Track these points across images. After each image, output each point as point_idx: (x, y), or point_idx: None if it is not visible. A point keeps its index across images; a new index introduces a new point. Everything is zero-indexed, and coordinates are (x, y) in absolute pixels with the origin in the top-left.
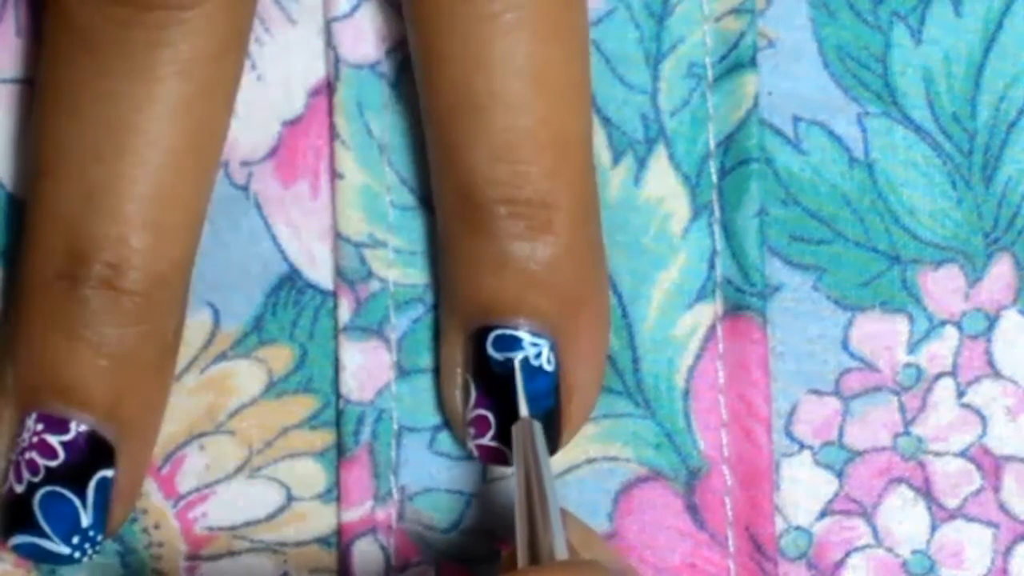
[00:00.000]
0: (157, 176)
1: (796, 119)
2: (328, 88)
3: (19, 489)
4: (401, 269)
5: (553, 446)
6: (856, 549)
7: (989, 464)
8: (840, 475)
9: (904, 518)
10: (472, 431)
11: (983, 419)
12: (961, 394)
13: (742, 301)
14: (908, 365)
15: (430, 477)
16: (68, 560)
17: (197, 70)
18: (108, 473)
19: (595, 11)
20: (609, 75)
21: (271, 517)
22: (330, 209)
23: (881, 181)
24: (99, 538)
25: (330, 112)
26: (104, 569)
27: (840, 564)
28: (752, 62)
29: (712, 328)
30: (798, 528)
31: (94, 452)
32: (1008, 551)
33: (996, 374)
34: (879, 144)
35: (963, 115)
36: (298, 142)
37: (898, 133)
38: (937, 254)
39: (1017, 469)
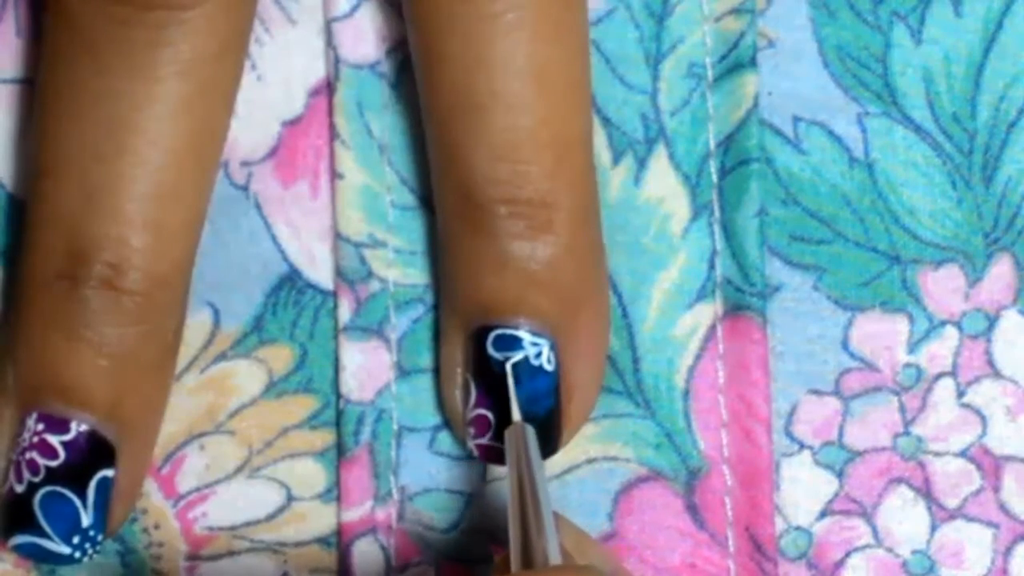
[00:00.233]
0: (157, 176)
1: (796, 119)
2: (328, 88)
3: (19, 489)
4: (401, 269)
5: (553, 446)
6: (856, 549)
7: (989, 464)
8: (840, 475)
9: (904, 518)
10: (472, 431)
11: (983, 419)
12: (961, 394)
13: (742, 301)
14: (908, 365)
15: (430, 477)
16: (68, 560)
17: (197, 70)
18: (108, 473)
19: (595, 11)
20: (609, 75)
21: (271, 517)
22: (330, 209)
23: (881, 181)
24: (99, 538)
25: (330, 112)
26: (104, 569)
27: (840, 564)
28: (752, 62)
29: (712, 328)
30: (798, 528)
31: (94, 452)
32: (1008, 551)
33: (996, 374)
34: (879, 144)
35: (963, 115)
36: (298, 142)
37: (898, 133)
38: (937, 254)
39: (1017, 469)
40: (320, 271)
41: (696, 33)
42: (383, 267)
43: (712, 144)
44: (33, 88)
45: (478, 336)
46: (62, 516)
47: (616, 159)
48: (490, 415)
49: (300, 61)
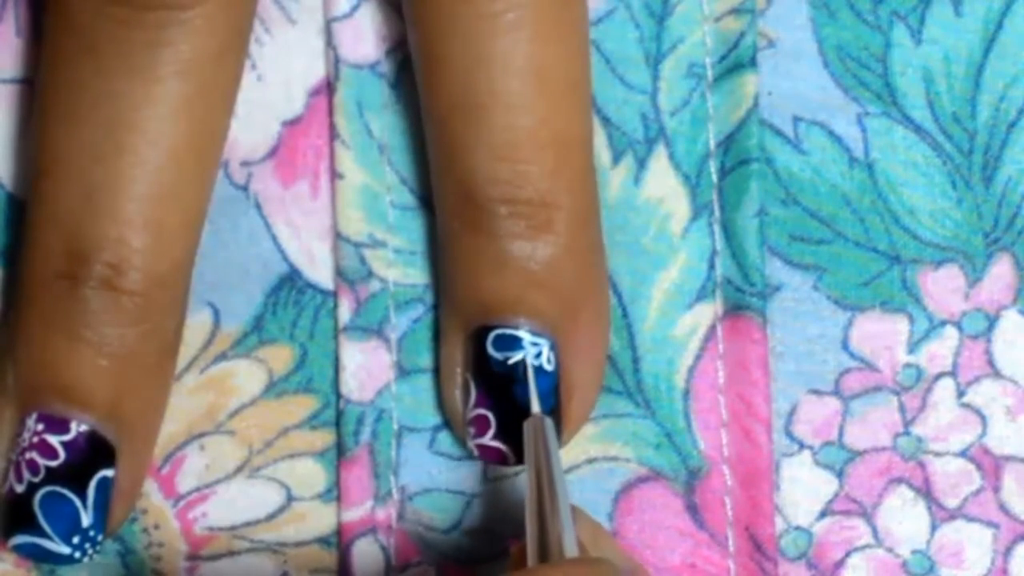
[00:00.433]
0: (157, 176)
1: (796, 119)
2: (328, 88)
3: (19, 489)
4: (401, 269)
5: None
6: (856, 549)
7: (989, 464)
8: (840, 475)
9: (904, 518)
10: (472, 430)
11: (983, 419)
12: (961, 394)
13: (742, 301)
14: (908, 365)
15: (430, 477)
16: (68, 560)
17: (197, 70)
18: (108, 473)
19: (595, 11)
20: (609, 75)
21: (271, 517)
22: (330, 209)
23: (881, 181)
24: (99, 538)
25: (330, 112)
26: (104, 569)
27: (840, 564)
28: (752, 62)
29: (712, 328)
30: (798, 528)
31: (94, 452)
32: (1008, 551)
33: (996, 374)
34: (879, 144)
35: (963, 115)
36: (298, 142)
37: (898, 133)
38: (937, 254)
39: (1017, 469)
40: (320, 271)
41: (696, 33)
42: (383, 267)
43: (712, 144)
44: (33, 88)
45: (478, 336)
46: (62, 516)
47: (616, 159)
48: (490, 415)
49: (300, 61)
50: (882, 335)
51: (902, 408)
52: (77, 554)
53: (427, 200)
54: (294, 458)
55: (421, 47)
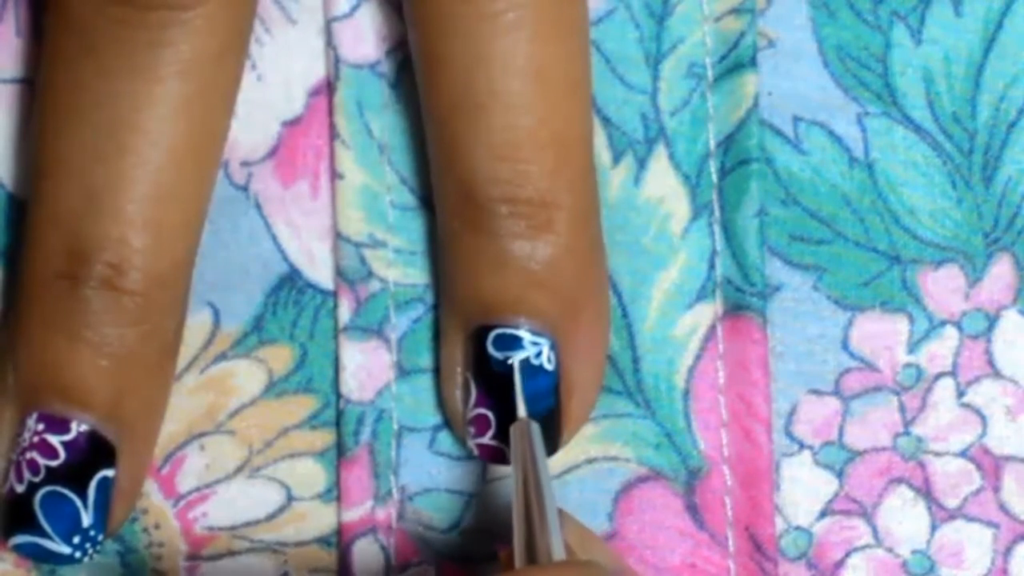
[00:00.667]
0: (158, 176)
1: (796, 119)
2: (328, 88)
3: (20, 489)
4: (401, 269)
5: (553, 445)
6: (856, 549)
7: (989, 464)
8: (840, 475)
9: (904, 518)
10: (472, 430)
11: (983, 419)
12: (961, 394)
13: (742, 301)
14: (908, 365)
15: (430, 477)
16: (69, 560)
17: (198, 70)
18: (109, 473)
19: (595, 11)
20: (609, 75)
21: (271, 517)
22: (330, 209)
23: (881, 181)
24: (100, 538)
25: (330, 112)
26: (104, 569)
27: (840, 564)
28: (752, 62)
29: (712, 328)
30: (798, 528)
31: (95, 452)
32: (1008, 551)
33: (996, 374)
34: (879, 144)
35: (963, 115)
36: (298, 142)
37: (898, 133)
38: (937, 254)
39: (1017, 469)
40: (320, 271)
41: (696, 33)
42: (383, 267)
43: (712, 144)
44: (33, 88)
45: (478, 336)
46: (62, 516)
47: (616, 159)
48: (490, 414)
49: (300, 61)
50: (882, 335)
51: (902, 408)
52: (77, 554)
53: (427, 200)
54: (294, 458)
55: (421, 47)
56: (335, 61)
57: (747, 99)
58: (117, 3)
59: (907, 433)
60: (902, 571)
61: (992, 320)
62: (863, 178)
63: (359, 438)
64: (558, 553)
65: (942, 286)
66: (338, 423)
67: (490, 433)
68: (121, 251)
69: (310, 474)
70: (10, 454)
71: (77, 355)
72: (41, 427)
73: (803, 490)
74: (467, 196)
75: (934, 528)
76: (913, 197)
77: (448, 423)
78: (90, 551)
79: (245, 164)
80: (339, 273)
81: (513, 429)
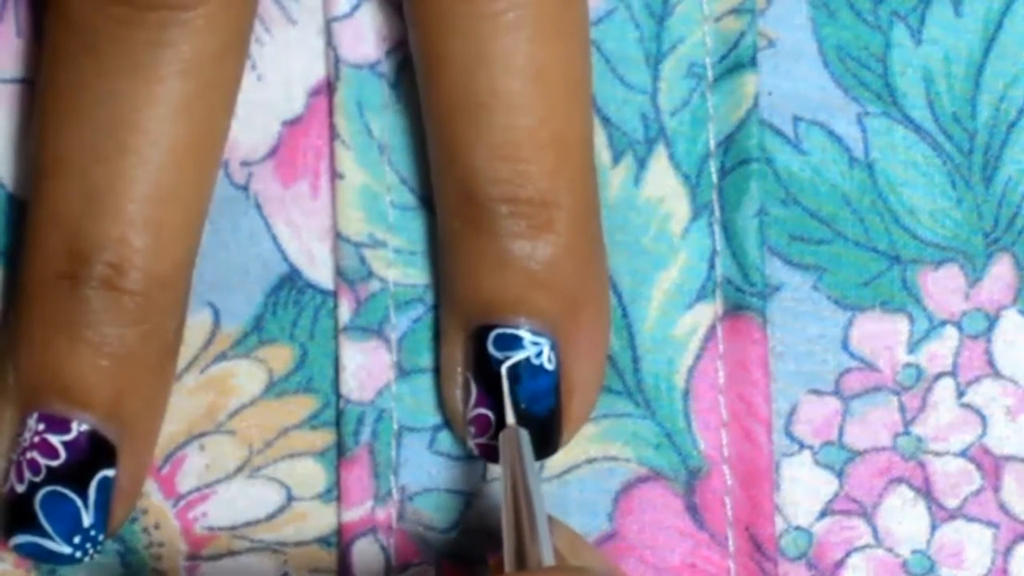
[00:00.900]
0: (158, 176)
1: (796, 119)
2: (328, 88)
3: (20, 489)
4: (401, 269)
5: (553, 446)
6: (856, 549)
7: (989, 464)
8: (840, 475)
9: (904, 518)
10: (472, 430)
11: (983, 419)
12: (961, 394)
13: (742, 301)
14: (908, 365)
15: (430, 477)
16: (69, 560)
17: (198, 70)
18: (109, 473)
19: (595, 11)
20: (609, 75)
21: (271, 517)
22: (330, 209)
23: (881, 181)
24: (100, 538)
25: (330, 112)
26: (104, 569)
27: (840, 564)
28: (752, 62)
29: (712, 328)
30: (798, 528)
31: (95, 452)
32: (1008, 551)
33: (996, 374)
34: (879, 144)
35: (963, 115)
36: (298, 142)
37: (898, 133)
38: (937, 254)
39: (1017, 469)
40: (320, 271)
41: (696, 33)
42: (383, 267)
43: (712, 144)
44: (33, 88)
45: (478, 335)
46: (63, 516)
47: (616, 159)
48: (490, 414)
49: (300, 61)
50: (882, 335)
51: (902, 408)
52: (78, 554)
53: (427, 200)
54: (294, 458)
55: (421, 47)
56: (335, 61)
57: (747, 99)
58: (117, 3)
59: (907, 433)
60: (902, 571)
61: (992, 320)
62: (863, 178)
63: (359, 438)
64: (547, 559)
65: (942, 286)
66: (338, 423)
67: (490, 433)
68: (121, 251)
69: (310, 474)
70: (10, 454)
71: (77, 355)
72: (42, 427)
73: (803, 490)
74: (467, 196)
75: (934, 528)
76: (913, 197)
77: (448, 423)
78: (90, 551)
79: (245, 164)
80: (339, 273)
81: (502, 436)
